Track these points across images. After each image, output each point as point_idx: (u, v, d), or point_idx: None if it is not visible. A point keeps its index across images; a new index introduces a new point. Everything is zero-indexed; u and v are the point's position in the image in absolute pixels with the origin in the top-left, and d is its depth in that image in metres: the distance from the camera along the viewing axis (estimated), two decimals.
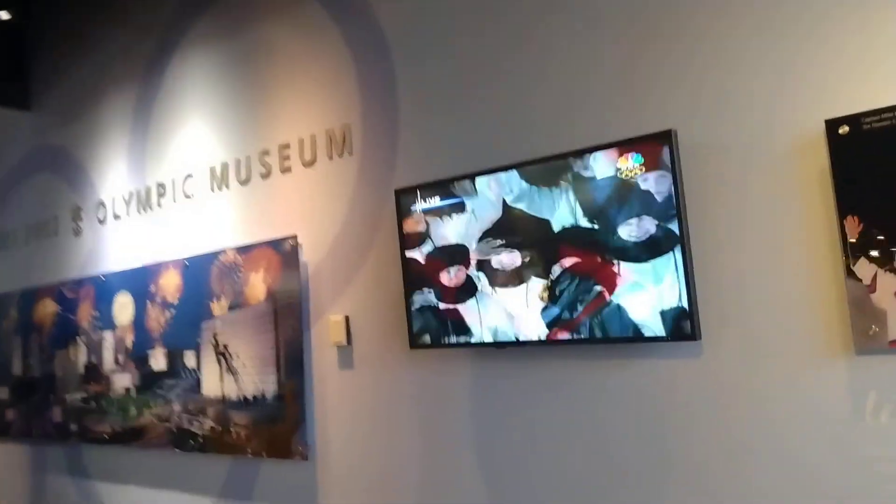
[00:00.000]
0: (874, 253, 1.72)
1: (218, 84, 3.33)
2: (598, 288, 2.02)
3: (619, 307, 2.00)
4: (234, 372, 3.09)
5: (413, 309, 2.43)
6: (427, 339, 2.40)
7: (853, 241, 1.75)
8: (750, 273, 1.92)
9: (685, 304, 1.89)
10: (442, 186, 2.36)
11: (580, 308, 2.05)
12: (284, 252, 2.93)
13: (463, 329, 2.31)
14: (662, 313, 1.92)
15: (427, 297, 2.39)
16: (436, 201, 2.37)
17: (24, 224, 4.45)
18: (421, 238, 2.41)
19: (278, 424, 2.89)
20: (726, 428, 1.93)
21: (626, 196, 1.98)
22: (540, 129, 2.30)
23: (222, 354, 3.14)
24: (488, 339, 2.24)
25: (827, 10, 1.83)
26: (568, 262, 2.07)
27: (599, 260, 2.02)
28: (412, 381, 2.56)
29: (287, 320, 2.91)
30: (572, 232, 2.08)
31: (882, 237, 1.71)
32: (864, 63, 1.78)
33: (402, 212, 2.46)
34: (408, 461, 2.57)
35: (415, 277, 2.43)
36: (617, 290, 1.99)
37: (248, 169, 3.17)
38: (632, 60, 2.12)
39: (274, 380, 2.93)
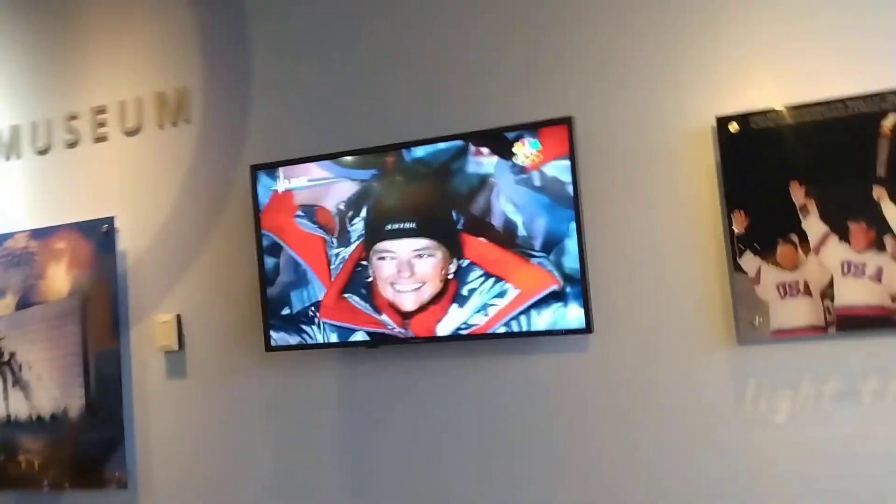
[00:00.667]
0: (758, 246, 1.75)
1: (6, 26, 2.68)
2: (504, 283, 1.86)
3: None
4: (23, 386, 2.49)
5: (271, 306, 2.09)
6: (287, 339, 2.07)
7: (740, 233, 1.76)
8: (638, 265, 1.88)
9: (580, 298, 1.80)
10: (312, 164, 2.05)
11: (481, 304, 1.88)
12: (97, 237, 2.41)
13: (333, 327, 2.03)
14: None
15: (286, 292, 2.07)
16: (302, 181, 2.06)
17: None
18: (284, 223, 2.08)
19: (87, 448, 2.36)
20: (616, 421, 1.87)
21: (523, 184, 1.84)
22: (433, 107, 2.08)
23: (6, 365, 2.52)
24: (361, 337, 1.99)
25: (724, 8, 1.84)
26: (469, 253, 1.88)
27: (499, 252, 1.86)
28: (267, 389, 2.22)
29: (99, 321, 2.40)
30: (470, 222, 1.89)
31: (766, 231, 1.75)
32: (755, 64, 1.81)
33: (260, 192, 2.11)
34: (257, 484, 2.22)
35: (275, 268, 2.09)
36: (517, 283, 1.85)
37: (47, 135, 2.58)
38: (526, 47, 2.00)
39: (80, 393, 2.39)
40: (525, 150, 1.82)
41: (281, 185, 2.08)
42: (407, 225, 1.93)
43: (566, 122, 1.80)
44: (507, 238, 1.85)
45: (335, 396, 2.14)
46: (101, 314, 2.39)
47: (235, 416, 2.25)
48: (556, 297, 1.81)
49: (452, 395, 2.02)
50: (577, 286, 1.79)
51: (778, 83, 1.78)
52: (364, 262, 1.99)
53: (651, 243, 1.86)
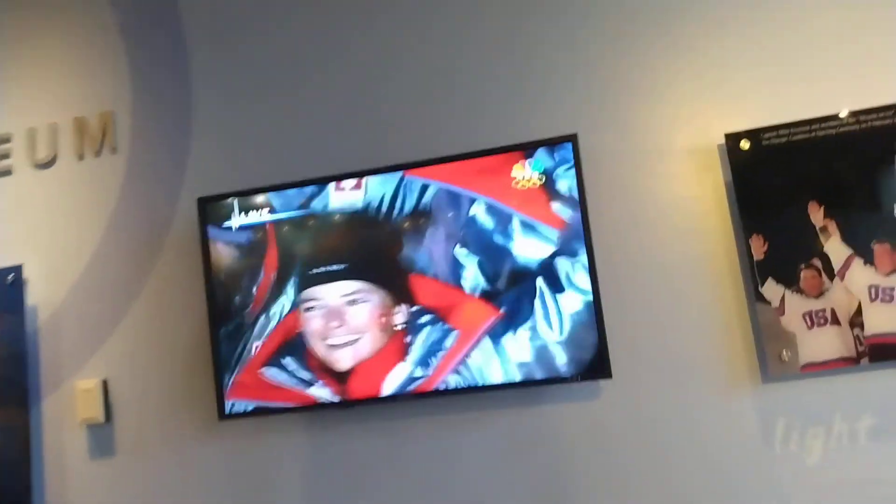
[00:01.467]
0: (780, 273, 1.61)
1: None
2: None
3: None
4: None
5: (225, 364, 1.75)
6: (245, 405, 1.74)
7: (759, 259, 1.62)
8: (647, 297, 1.70)
9: (595, 338, 1.59)
10: (270, 195, 1.77)
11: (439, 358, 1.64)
12: (0, 289, 2.00)
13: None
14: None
15: (251, 347, 1.75)
16: (263, 214, 1.76)
17: None
18: (241, 264, 1.77)
19: None
20: (631, 472, 1.66)
21: (523, 208, 1.63)
22: (391, 134, 1.86)
23: None
24: (328, 397, 1.69)
25: (731, 23, 1.73)
26: (424, 297, 1.65)
27: (470, 294, 1.64)
28: (217, 464, 1.86)
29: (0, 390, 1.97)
30: (430, 259, 1.66)
31: (787, 256, 1.61)
32: (763, 79, 1.70)
33: (209, 230, 1.79)
34: None
35: (231, 321, 1.76)
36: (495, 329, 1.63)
37: None
38: (527, 62, 1.83)
39: None
40: (525, 173, 1.62)
41: (235, 221, 1.77)
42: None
43: (572, 140, 1.62)
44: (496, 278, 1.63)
45: (299, 467, 1.81)
46: (4, 383, 1.97)
47: (179, 500, 1.87)
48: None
49: (437, 457, 1.74)
50: (595, 323, 1.58)
51: (787, 98, 1.68)
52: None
53: (660, 274, 1.70)
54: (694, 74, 1.73)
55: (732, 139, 1.66)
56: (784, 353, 1.59)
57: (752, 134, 1.65)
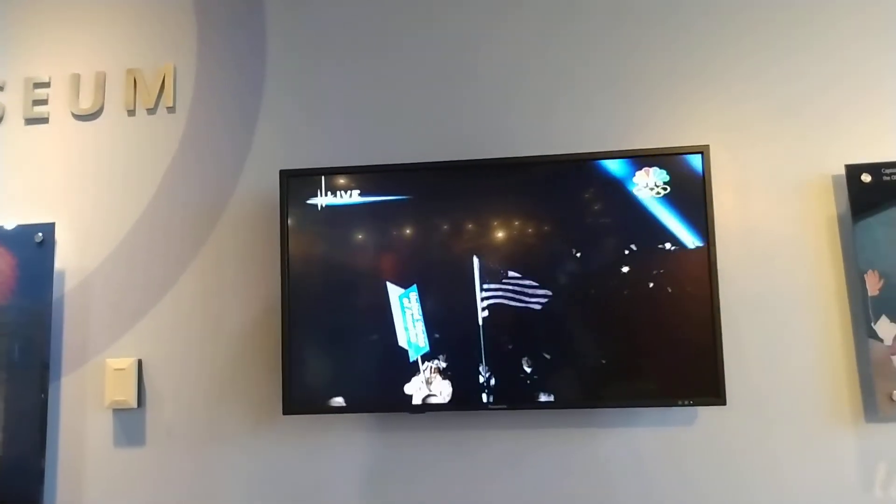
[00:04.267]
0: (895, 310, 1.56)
1: None
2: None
3: None
4: None
5: (297, 355, 1.58)
6: (318, 400, 1.57)
7: (874, 295, 1.57)
8: (752, 327, 1.63)
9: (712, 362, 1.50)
10: (369, 175, 1.61)
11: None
12: (25, 250, 1.78)
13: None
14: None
15: (328, 336, 1.58)
16: (353, 196, 1.61)
17: None
18: (325, 248, 1.61)
19: None
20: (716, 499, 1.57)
21: (641, 219, 1.53)
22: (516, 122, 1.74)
23: None
24: (416, 399, 1.55)
25: (855, 56, 1.69)
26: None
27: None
28: (268, 466, 1.68)
29: (16, 363, 1.74)
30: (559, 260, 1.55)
31: None
32: (885, 112, 1.66)
33: (292, 207, 1.62)
34: None
35: (309, 309, 1.59)
36: None
37: None
38: (652, 66, 1.73)
39: None
40: (649, 181, 1.52)
41: (322, 200, 1.61)
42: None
43: (701, 152, 1.53)
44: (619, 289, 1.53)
45: (360, 472, 1.66)
46: (22, 355, 1.74)
47: (212, 501, 1.68)
48: None
49: (510, 473, 1.62)
50: (713, 347, 1.49)
51: None
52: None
53: (769, 303, 1.62)
54: (810, 102, 1.67)
55: (853, 171, 1.61)
56: (895, 393, 1.54)
57: (873, 168, 1.61)
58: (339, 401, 1.56)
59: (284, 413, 1.57)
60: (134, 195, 1.82)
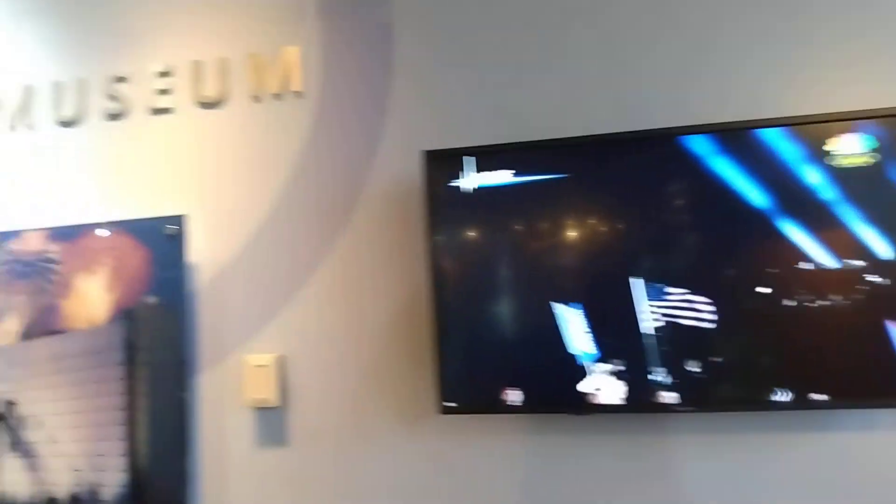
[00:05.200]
0: None
1: None
2: None
3: None
4: (26, 451, 1.73)
5: (450, 353, 1.48)
6: (476, 398, 1.47)
7: None
8: None
9: None
10: (523, 153, 1.49)
11: None
12: (157, 243, 1.73)
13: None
14: None
15: (483, 331, 1.47)
16: (505, 176, 1.49)
17: None
18: (471, 233, 1.50)
19: None
20: None
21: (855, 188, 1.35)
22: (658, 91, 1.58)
23: (1, 419, 1.76)
24: (608, 400, 1.42)
25: None
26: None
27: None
28: (434, 469, 1.59)
29: (154, 360, 1.70)
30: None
31: None
32: None
33: (435, 190, 1.51)
34: None
35: (459, 302, 1.49)
36: None
37: (78, 101, 1.87)
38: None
39: (122, 464, 1.67)
40: (848, 147, 1.34)
41: (469, 182, 1.49)
42: None
43: None
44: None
45: (524, 478, 1.55)
46: (159, 353, 1.69)
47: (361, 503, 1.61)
48: None
49: (686, 482, 1.48)
50: None
51: None
52: None
53: None
54: None
55: None
56: None
57: None
58: (504, 398, 1.45)
59: (440, 413, 1.47)
60: (265, 184, 1.74)
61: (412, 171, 1.63)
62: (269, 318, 1.70)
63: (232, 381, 1.70)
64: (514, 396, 1.43)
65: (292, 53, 1.77)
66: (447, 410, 1.46)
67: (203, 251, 1.75)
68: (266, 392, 1.66)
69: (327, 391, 1.65)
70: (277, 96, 1.77)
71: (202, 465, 1.69)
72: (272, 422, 1.67)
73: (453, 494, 1.56)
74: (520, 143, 1.49)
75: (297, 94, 1.76)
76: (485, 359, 1.46)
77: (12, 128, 1.90)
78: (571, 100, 1.60)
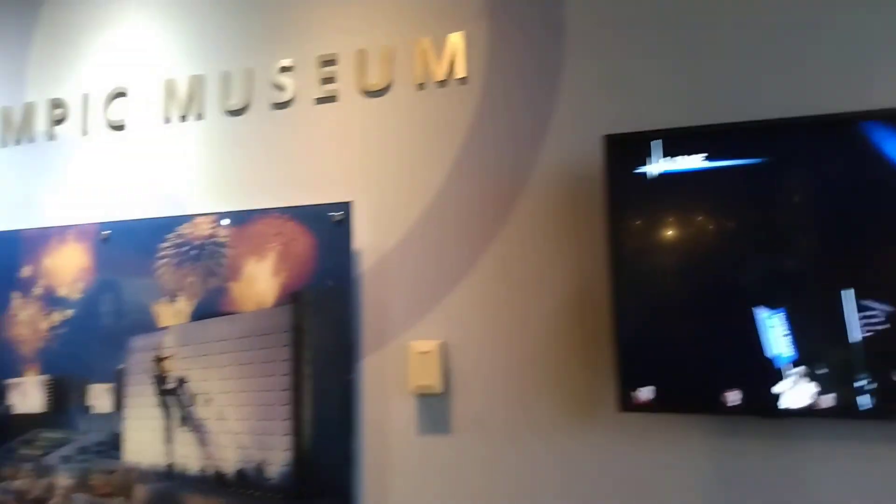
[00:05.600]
0: None
1: None
2: None
3: None
4: (195, 426, 1.80)
5: (632, 343, 1.41)
6: (659, 396, 1.40)
7: None
8: None
9: None
10: (716, 135, 1.40)
11: None
12: (323, 229, 1.75)
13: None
14: None
15: (671, 324, 1.40)
16: (696, 161, 1.41)
17: None
18: (659, 222, 1.43)
19: None
20: None
21: None
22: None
23: (171, 394, 1.83)
24: (782, 403, 1.31)
25: None
26: None
27: None
28: (604, 465, 1.53)
29: (319, 344, 1.72)
30: None
31: None
32: None
33: (617, 176, 1.45)
34: None
35: (641, 293, 1.42)
36: None
37: (245, 90, 1.93)
38: None
39: (286, 444, 1.71)
40: None
41: (656, 167, 1.42)
42: None
43: None
44: None
45: (707, 484, 1.46)
46: (325, 336, 1.72)
47: (527, 497, 1.57)
48: None
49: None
50: None
51: None
52: None
53: None
54: None
55: None
56: None
57: None
58: (693, 397, 1.37)
59: (619, 410, 1.41)
60: (428, 171, 1.74)
61: (585, 156, 1.58)
62: (432, 304, 1.69)
63: (394, 366, 1.70)
64: (700, 396, 1.35)
65: (456, 39, 1.75)
66: (626, 408, 1.40)
67: (367, 237, 1.76)
68: (430, 379, 1.65)
69: (491, 380, 1.62)
70: (442, 83, 1.76)
71: (364, 448, 1.69)
72: (435, 409, 1.66)
73: (627, 497, 1.49)
74: (715, 124, 1.40)
75: (462, 80, 1.74)
76: (669, 356, 1.39)
77: (183, 118, 1.98)
78: (752, 81, 1.50)
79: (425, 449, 1.66)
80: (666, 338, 1.39)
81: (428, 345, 1.66)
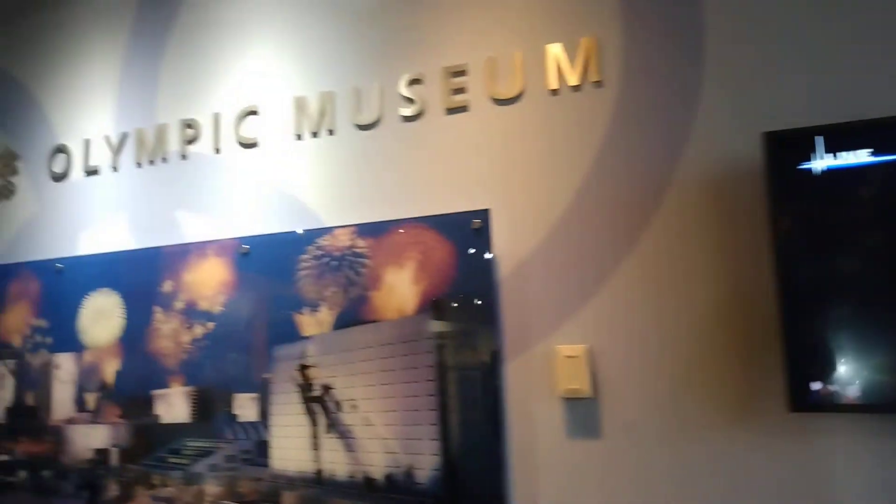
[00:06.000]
0: None
1: None
2: None
3: None
4: (342, 432, 1.84)
5: (803, 346, 1.39)
6: (843, 392, 1.37)
7: None
8: None
9: None
10: (884, 130, 1.38)
11: None
12: (461, 236, 1.78)
13: None
14: None
15: (844, 325, 1.37)
16: (860, 156, 1.38)
17: None
18: (831, 220, 1.40)
19: None
20: None
21: None
22: None
23: (318, 401, 1.88)
24: None
25: None
26: None
27: None
28: (786, 477, 1.50)
29: (462, 349, 1.74)
30: None
31: None
32: None
33: (781, 172, 1.43)
34: None
35: (808, 292, 1.40)
36: None
37: (376, 104, 1.98)
38: None
39: (434, 448, 1.73)
40: None
41: (820, 163, 1.40)
42: None
43: None
44: None
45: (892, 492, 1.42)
46: (467, 341, 1.74)
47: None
48: None
49: None
50: None
51: None
52: None
53: None
54: None
55: None
56: None
57: None
58: (869, 398, 1.34)
59: (790, 411, 1.38)
60: (566, 175, 1.75)
61: (736, 153, 1.57)
62: (576, 308, 1.70)
63: (539, 370, 1.71)
64: (881, 394, 1.32)
65: (589, 43, 1.76)
66: (798, 407, 1.37)
67: (505, 243, 1.78)
68: (579, 382, 1.66)
69: (641, 382, 1.62)
70: (576, 87, 1.77)
71: (514, 453, 1.71)
72: (584, 412, 1.66)
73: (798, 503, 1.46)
74: (880, 118, 1.38)
75: (597, 83, 1.75)
76: (843, 353, 1.36)
77: (314, 134, 2.05)
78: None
79: (575, 453, 1.66)
80: (839, 335, 1.36)
81: (575, 349, 1.67)
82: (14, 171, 2.54)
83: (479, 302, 1.74)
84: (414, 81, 1.94)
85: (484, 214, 1.77)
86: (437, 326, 1.77)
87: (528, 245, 1.76)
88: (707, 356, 1.56)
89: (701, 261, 1.59)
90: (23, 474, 2.25)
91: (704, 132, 1.63)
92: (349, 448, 1.83)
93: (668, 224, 1.64)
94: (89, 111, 2.39)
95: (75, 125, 2.42)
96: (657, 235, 1.65)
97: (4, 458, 2.29)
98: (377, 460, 1.79)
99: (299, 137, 2.06)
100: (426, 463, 1.74)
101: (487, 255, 1.75)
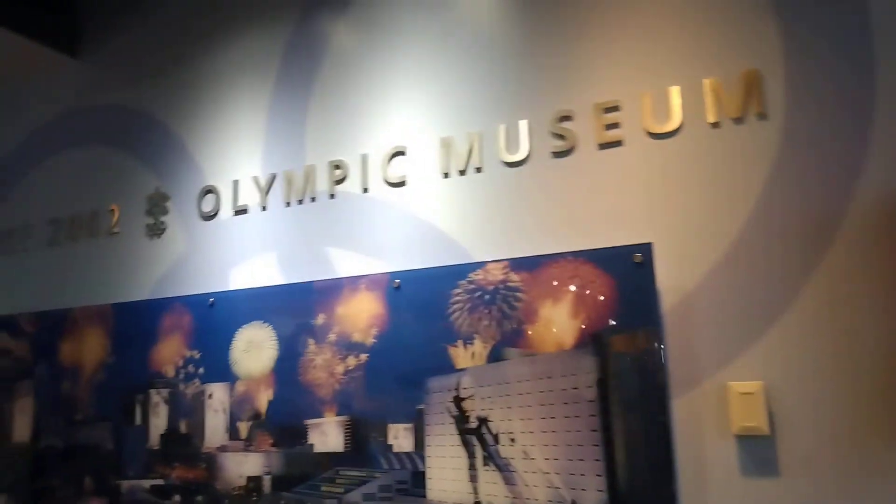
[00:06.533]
0: None
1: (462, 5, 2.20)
2: None
3: None
4: (500, 465, 1.85)
5: None
6: None
7: None
8: None
9: None
10: None
11: None
12: (623, 270, 1.78)
13: None
14: None
15: None
16: None
17: (50, 216, 3.04)
18: None
19: None
20: None
21: None
22: None
23: (475, 433, 1.90)
24: None
25: None
26: None
27: None
28: None
29: (626, 384, 1.73)
30: None
31: None
32: None
33: None
34: None
35: None
36: None
37: (523, 141, 2.03)
38: None
39: (598, 483, 1.71)
40: None
41: None
42: None
43: None
44: None
45: None
46: (631, 376, 1.73)
47: None
48: None
49: None
50: None
51: None
52: None
53: None
54: None
55: None
56: None
57: None
58: None
59: None
60: (730, 209, 1.74)
61: None
62: (746, 343, 1.67)
63: (709, 407, 1.68)
64: None
65: (750, 75, 1.76)
66: None
67: (665, 278, 1.78)
68: (755, 420, 1.62)
69: (820, 420, 1.57)
70: (738, 120, 1.77)
71: (683, 491, 1.68)
72: (759, 450, 1.62)
73: None
74: None
75: (760, 115, 1.74)
76: None
77: (461, 172, 2.11)
78: None
79: (749, 491, 1.61)
80: None
81: (750, 385, 1.64)
82: (164, 211, 2.71)
83: (643, 337, 1.74)
84: (564, 118, 1.98)
85: (647, 248, 1.77)
86: (598, 360, 1.77)
87: (693, 279, 1.76)
88: (889, 391, 1.51)
89: (879, 294, 1.55)
90: (177, 498, 2.35)
91: (879, 162, 1.60)
92: (508, 481, 1.84)
93: (843, 257, 1.60)
94: (237, 155, 2.54)
95: (224, 168, 2.57)
96: (832, 269, 1.61)
97: (160, 482, 2.40)
98: (538, 494, 1.79)
99: (446, 175, 2.13)
100: (591, 499, 1.73)
101: (651, 289, 1.75)
